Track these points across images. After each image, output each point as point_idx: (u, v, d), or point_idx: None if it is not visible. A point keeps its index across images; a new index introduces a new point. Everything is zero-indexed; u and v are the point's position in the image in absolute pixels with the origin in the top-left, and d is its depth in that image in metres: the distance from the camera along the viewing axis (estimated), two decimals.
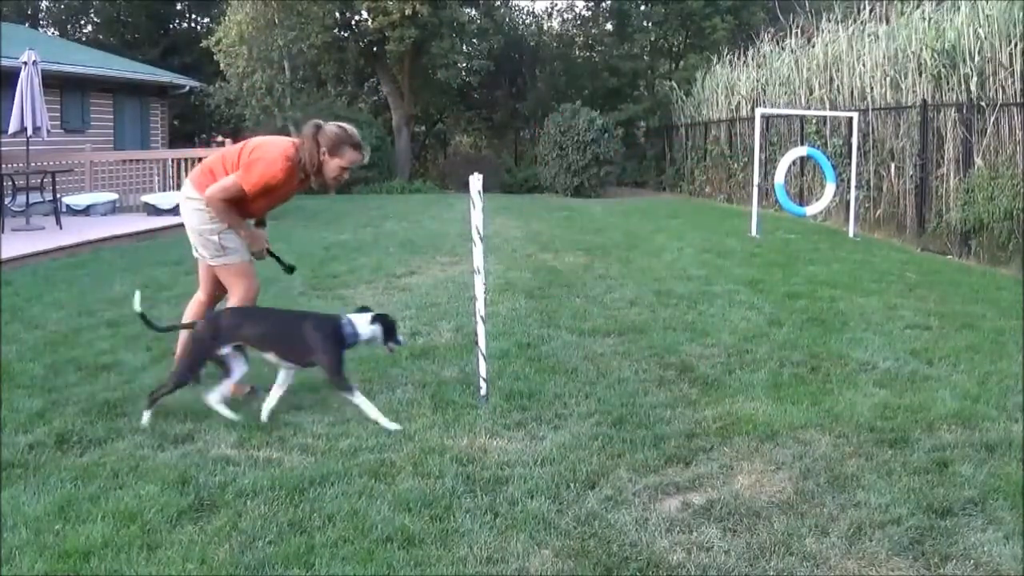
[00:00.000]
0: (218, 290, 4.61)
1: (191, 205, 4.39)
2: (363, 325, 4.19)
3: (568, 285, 7.56)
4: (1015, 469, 3.51)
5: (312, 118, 4.55)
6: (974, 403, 4.33)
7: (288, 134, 21.94)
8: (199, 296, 4.65)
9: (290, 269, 4.69)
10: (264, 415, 4.09)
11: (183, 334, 4.43)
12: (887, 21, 13.57)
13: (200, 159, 14.23)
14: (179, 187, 14.02)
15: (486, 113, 27.44)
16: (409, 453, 3.70)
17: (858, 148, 12.36)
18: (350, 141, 4.29)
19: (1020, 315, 6.36)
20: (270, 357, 4.19)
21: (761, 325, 6.01)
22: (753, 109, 15.02)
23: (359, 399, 4.08)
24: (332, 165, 4.29)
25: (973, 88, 10.63)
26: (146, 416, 4.05)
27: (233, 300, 4.46)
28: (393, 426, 3.98)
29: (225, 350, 4.12)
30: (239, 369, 4.17)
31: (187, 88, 19.72)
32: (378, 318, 4.23)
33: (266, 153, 4.30)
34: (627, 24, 25.27)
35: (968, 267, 9.50)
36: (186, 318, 4.56)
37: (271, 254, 4.60)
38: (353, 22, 23.85)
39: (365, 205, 16.50)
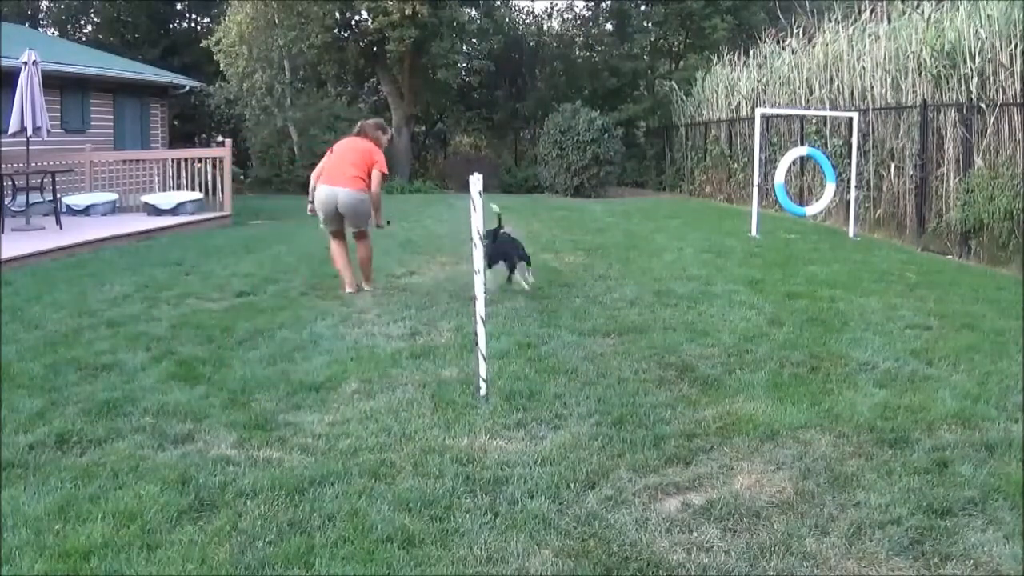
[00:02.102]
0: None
1: (367, 200, 7.13)
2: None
3: (568, 285, 7.56)
4: (1015, 469, 3.51)
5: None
6: (974, 403, 4.33)
7: (288, 134, 21.93)
8: (341, 243, 7.35)
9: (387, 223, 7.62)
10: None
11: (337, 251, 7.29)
12: (888, 20, 13.57)
13: (199, 159, 14.32)
14: (179, 187, 14.04)
15: (486, 113, 27.44)
16: (409, 453, 3.70)
17: (858, 148, 12.36)
18: (384, 123, 7.65)
19: (1020, 315, 6.36)
20: None
21: (761, 325, 6.01)
22: (753, 109, 15.01)
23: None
24: (384, 140, 7.43)
25: (973, 88, 10.63)
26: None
27: (364, 248, 7.37)
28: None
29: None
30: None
31: (187, 88, 19.69)
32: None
33: (378, 150, 7.24)
34: (627, 24, 25.27)
35: (968, 267, 9.50)
36: (340, 259, 7.29)
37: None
38: (353, 22, 23.86)
39: None
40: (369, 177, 7.10)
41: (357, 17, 23.45)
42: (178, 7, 29.00)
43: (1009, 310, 6.65)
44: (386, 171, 7.26)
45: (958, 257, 10.16)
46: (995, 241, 9.66)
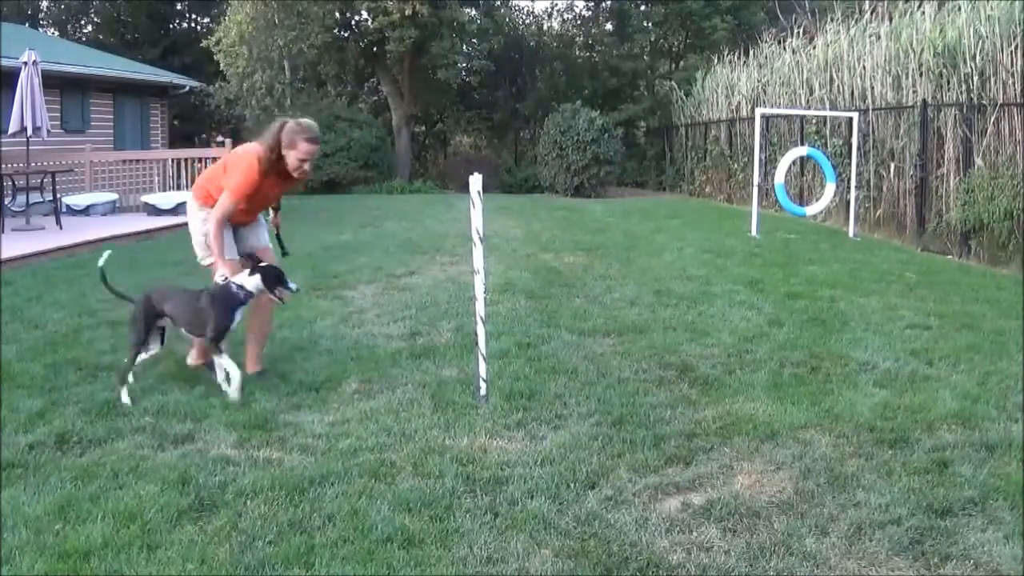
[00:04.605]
0: None
1: (197, 218, 4.85)
2: (247, 281, 4.52)
3: (568, 285, 7.56)
4: (1015, 469, 3.51)
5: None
6: (974, 403, 4.33)
7: None
8: None
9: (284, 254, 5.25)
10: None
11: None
12: (889, 20, 13.56)
13: (200, 159, 14.32)
14: (179, 187, 14.05)
15: (486, 113, 27.41)
16: (409, 453, 3.70)
17: (858, 148, 12.36)
18: (305, 135, 4.61)
19: (1020, 315, 6.36)
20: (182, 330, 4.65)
21: (761, 325, 6.01)
22: (753, 109, 15.00)
23: (224, 361, 4.42)
24: (290, 157, 4.60)
25: (974, 88, 10.63)
26: (124, 394, 4.35)
27: None
28: (235, 395, 4.33)
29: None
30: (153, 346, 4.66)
31: (187, 88, 19.70)
32: (258, 269, 4.55)
33: (240, 160, 4.66)
34: (627, 24, 25.26)
35: (968, 267, 9.50)
36: None
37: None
38: (353, 22, 23.84)
39: (365, 205, 16.49)
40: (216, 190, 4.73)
41: (357, 17, 23.44)
42: (178, 7, 29.02)
43: (1009, 310, 6.65)
44: (235, 196, 4.60)
45: (958, 257, 10.16)
46: (995, 241, 9.66)
